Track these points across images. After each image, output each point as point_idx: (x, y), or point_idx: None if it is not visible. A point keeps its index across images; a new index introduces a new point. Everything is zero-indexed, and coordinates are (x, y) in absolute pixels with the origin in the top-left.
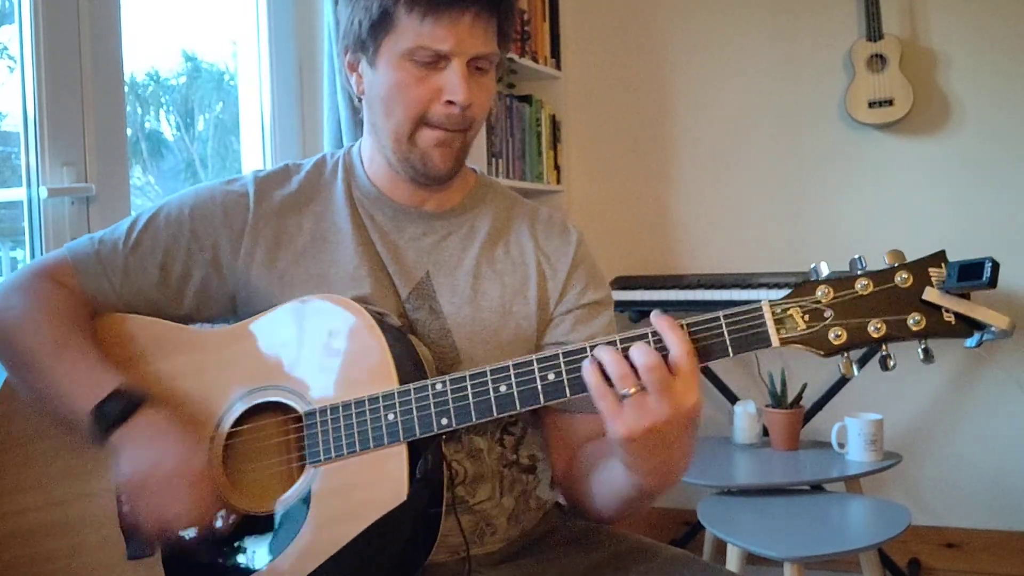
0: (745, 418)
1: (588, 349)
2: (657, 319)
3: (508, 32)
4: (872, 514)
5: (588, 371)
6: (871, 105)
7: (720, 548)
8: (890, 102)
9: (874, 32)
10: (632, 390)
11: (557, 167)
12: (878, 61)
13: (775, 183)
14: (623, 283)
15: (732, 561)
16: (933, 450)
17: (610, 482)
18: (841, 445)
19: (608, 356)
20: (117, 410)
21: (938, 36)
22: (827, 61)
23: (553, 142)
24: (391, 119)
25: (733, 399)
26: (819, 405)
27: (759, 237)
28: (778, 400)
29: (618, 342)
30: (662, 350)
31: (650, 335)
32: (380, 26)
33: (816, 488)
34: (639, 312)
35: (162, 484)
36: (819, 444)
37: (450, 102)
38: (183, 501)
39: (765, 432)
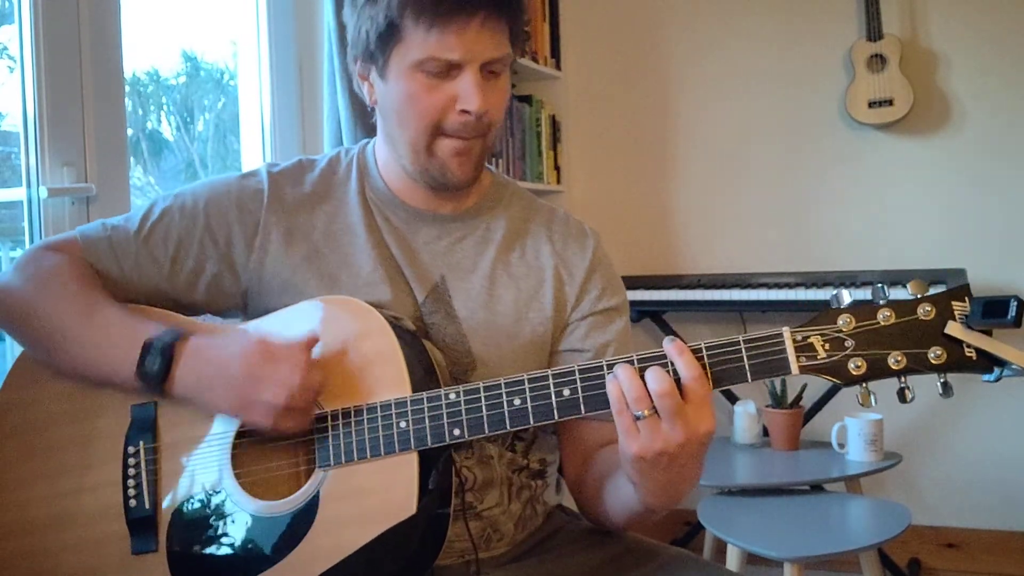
0: (745, 418)
1: (605, 366)
2: (668, 345)
3: (519, 32)
4: (872, 514)
5: (611, 387)
6: (871, 105)
7: (720, 548)
8: (890, 102)
9: (874, 32)
10: (646, 412)
11: (557, 167)
12: (878, 61)
13: (775, 183)
14: (623, 283)
15: (732, 561)
16: (933, 450)
17: (619, 495)
18: (841, 445)
19: (625, 376)
20: (156, 365)
21: (938, 36)
22: (827, 61)
23: (553, 142)
24: (406, 131)
25: (733, 399)
26: (819, 405)
27: (759, 236)
28: (778, 400)
29: (635, 360)
30: (677, 374)
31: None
32: (388, 37)
33: (816, 488)
34: (639, 312)
35: (259, 372)
36: (819, 444)
37: (465, 111)
38: (280, 368)
39: (765, 432)
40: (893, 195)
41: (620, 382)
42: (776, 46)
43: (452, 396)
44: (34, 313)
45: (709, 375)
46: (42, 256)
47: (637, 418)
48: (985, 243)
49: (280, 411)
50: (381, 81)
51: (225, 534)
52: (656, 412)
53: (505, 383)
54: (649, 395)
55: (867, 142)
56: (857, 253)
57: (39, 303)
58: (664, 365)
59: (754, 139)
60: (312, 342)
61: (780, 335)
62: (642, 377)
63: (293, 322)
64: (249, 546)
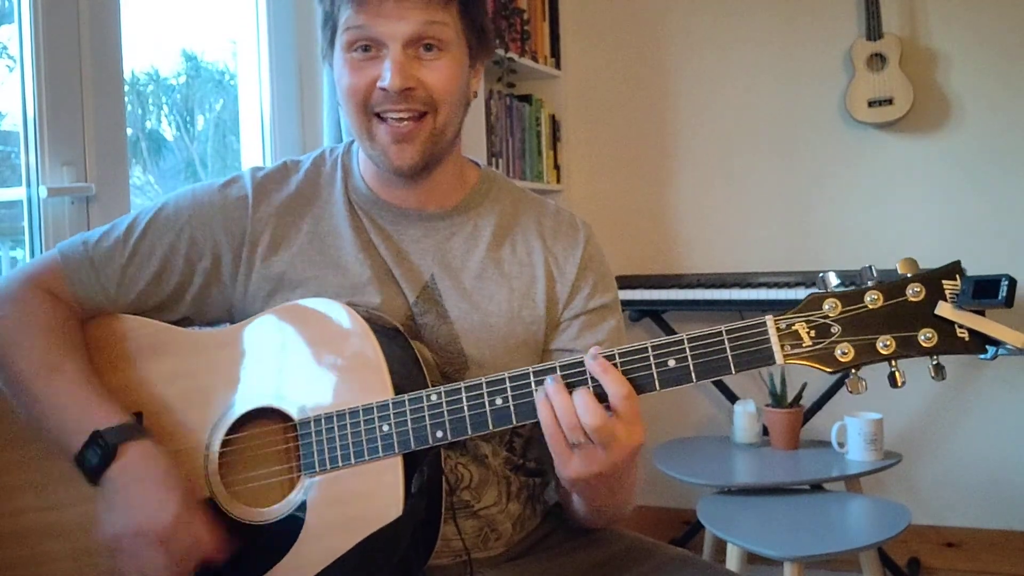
0: (745, 417)
1: (584, 362)
2: (592, 363)
3: (469, 5)
4: (872, 513)
5: (543, 411)
6: (871, 104)
7: (720, 547)
8: (890, 101)
9: (874, 31)
10: (581, 439)
11: (557, 167)
12: (878, 60)
13: (775, 182)
14: (623, 282)
15: (732, 560)
16: (933, 450)
17: (574, 497)
18: (841, 444)
19: (560, 402)
20: (94, 460)
21: (938, 35)
22: (827, 60)
23: (553, 142)
24: (349, 117)
25: (733, 398)
26: (819, 404)
27: (758, 236)
28: (778, 399)
29: (558, 369)
30: (600, 387)
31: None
32: (327, 25)
33: (816, 488)
34: (639, 312)
35: (139, 544)
36: (819, 443)
37: (383, 88)
38: (160, 560)
39: (765, 431)
40: (893, 194)
41: (555, 408)
42: (776, 45)
43: (433, 398)
44: (3, 362)
45: (692, 369)
46: (20, 294)
47: (573, 445)
48: (985, 242)
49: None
50: (332, 71)
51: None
52: (591, 440)
53: (486, 383)
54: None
55: (867, 141)
56: (856, 252)
57: (6, 353)
58: (592, 398)
59: (754, 138)
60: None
61: (763, 323)
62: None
63: (277, 325)
64: (239, 554)
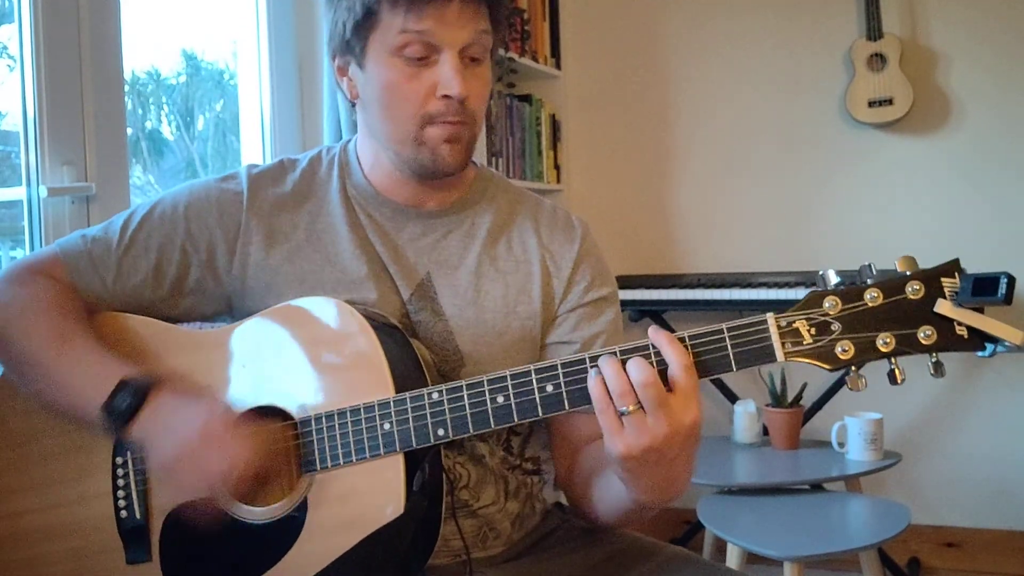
0: (745, 417)
1: (587, 360)
2: (655, 333)
3: (500, 17)
4: (872, 513)
5: (593, 384)
6: (871, 104)
7: (720, 547)
8: (890, 101)
9: (874, 31)
10: (631, 407)
11: (557, 166)
12: (878, 60)
13: (775, 182)
14: (623, 282)
15: (732, 560)
16: (933, 450)
17: (610, 493)
18: (841, 444)
19: (610, 370)
20: (126, 403)
21: (938, 35)
22: (827, 60)
23: (553, 142)
24: (391, 121)
25: (733, 398)
26: (819, 404)
27: (759, 236)
28: (778, 399)
29: (618, 352)
30: (661, 364)
31: (651, 347)
32: (365, 25)
33: (816, 487)
34: (639, 312)
35: (198, 452)
36: (819, 443)
37: (447, 96)
38: (225, 454)
39: (765, 431)
40: (893, 194)
41: (605, 375)
42: (776, 45)
43: (435, 396)
44: (6, 340)
45: (694, 366)
46: (22, 278)
47: (622, 415)
48: (984, 242)
49: (191, 492)
50: (360, 72)
51: (216, 541)
52: (641, 407)
53: (488, 380)
54: (634, 389)
55: (867, 141)
56: (856, 251)
57: (12, 331)
58: (647, 356)
59: (754, 138)
60: (244, 464)
61: (764, 321)
62: (625, 370)
63: (276, 323)
64: (241, 552)
